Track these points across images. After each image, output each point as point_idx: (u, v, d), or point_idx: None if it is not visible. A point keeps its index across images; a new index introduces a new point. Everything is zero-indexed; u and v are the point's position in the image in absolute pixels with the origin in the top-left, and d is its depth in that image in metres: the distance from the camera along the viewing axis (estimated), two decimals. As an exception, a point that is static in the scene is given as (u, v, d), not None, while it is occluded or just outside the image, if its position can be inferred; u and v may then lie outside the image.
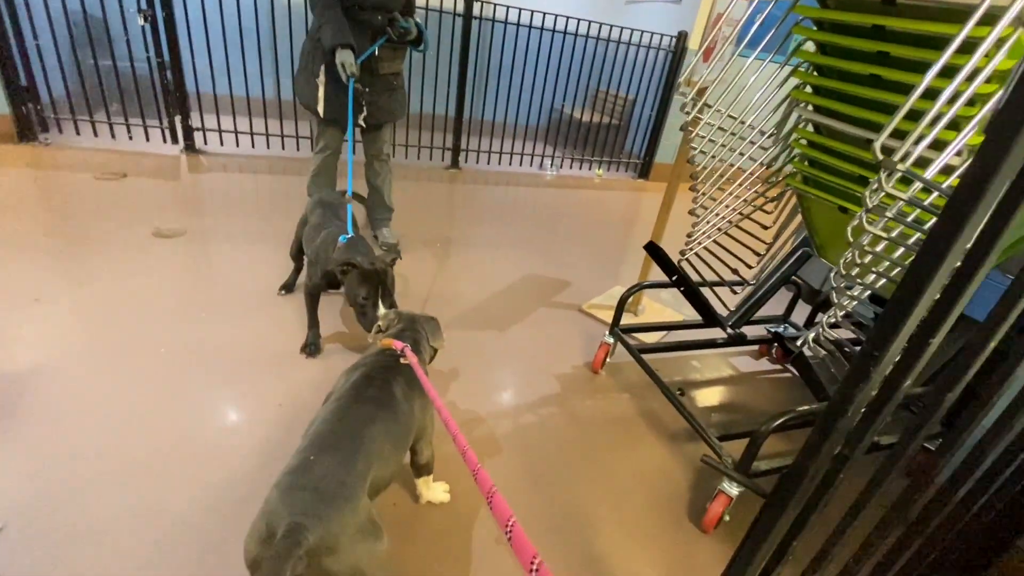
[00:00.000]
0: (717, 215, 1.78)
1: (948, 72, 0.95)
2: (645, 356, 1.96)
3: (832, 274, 1.33)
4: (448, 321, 1.52)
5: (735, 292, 2.03)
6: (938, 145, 1.05)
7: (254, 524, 0.85)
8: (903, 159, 1.02)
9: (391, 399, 1.13)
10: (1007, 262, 1.56)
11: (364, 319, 1.70)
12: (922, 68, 1.03)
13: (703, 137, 1.68)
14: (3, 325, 1.84)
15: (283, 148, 4.13)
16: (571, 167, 5.24)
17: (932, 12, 1.08)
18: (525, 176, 4.85)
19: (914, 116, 1.03)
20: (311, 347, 1.96)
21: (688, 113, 1.64)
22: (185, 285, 2.26)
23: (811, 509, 0.77)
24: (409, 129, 4.42)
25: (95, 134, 3.64)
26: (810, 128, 1.58)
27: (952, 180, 1.12)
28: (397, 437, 1.12)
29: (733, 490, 1.46)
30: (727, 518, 1.50)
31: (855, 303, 1.34)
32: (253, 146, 4.05)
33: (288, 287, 2.33)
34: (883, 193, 1.04)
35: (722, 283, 1.96)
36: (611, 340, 2.11)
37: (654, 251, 1.79)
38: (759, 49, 1.52)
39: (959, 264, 0.55)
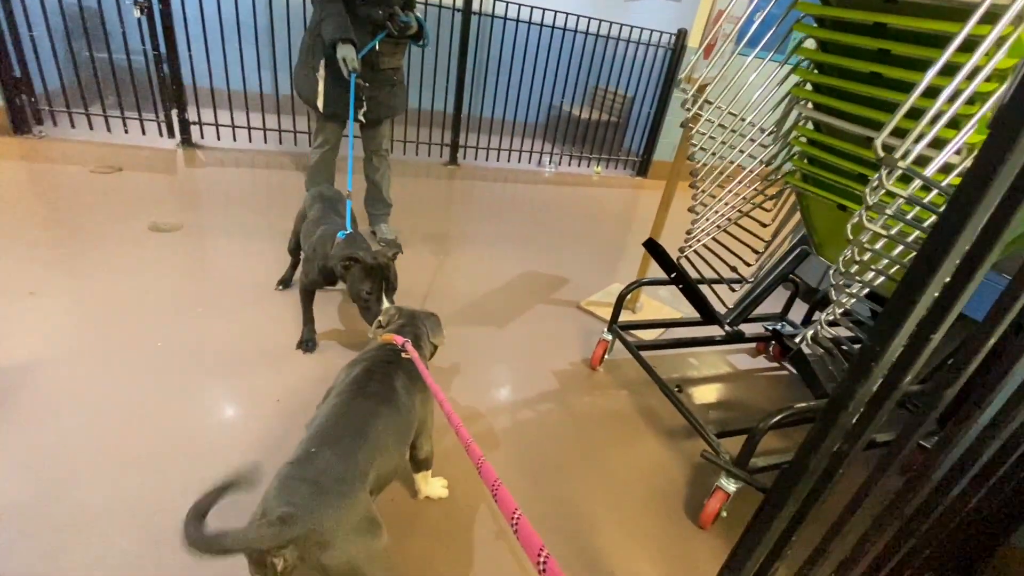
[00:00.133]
0: (716, 212, 1.78)
1: (948, 70, 0.95)
2: (643, 353, 1.97)
3: (831, 272, 1.33)
4: (447, 317, 1.52)
5: (733, 290, 2.04)
6: (937, 143, 1.05)
7: (253, 513, 0.86)
8: (903, 156, 1.02)
9: (393, 394, 1.13)
10: (1003, 261, 1.57)
11: (368, 314, 1.69)
12: (922, 66, 1.03)
13: (703, 134, 1.68)
14: (-2, 318, 1.83)
15: (280, 143, 4.11)
16: (570, 164, 5.24)
17: (933, 10, 1.08)
18: (524, 173, 4.84)
19: (914, 114, 1.03)
20: (307, 343, 1.95)
21: (689, 110, 1.64)
22: (182, 280, 2.24)
23: (811, 503, 0.77)
24: (408, 125, 4.40)
25: (90, 127, 3.61)
26: (810, 126, 1.58)
27: (951, 178, 1.13)
28: (399, 432, 1.12)
29: (731, 486, 1.47)
30: (724, 514, 1.51)
31: (853, 301, 1.34)
32: (250, 141, 4.02)
33: (285, 282, 2.32)
34: (883, 190, 1.04)
35: (720, 281, 1.96)
36: (609, 337, 2.11)
37: (653, 248, 1.79)
38: (759, 47, 1.52)
39: (961, 259, 0.55)
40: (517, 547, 1.36)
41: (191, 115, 3.78)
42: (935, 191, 1.13)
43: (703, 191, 1.74)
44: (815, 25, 1.40)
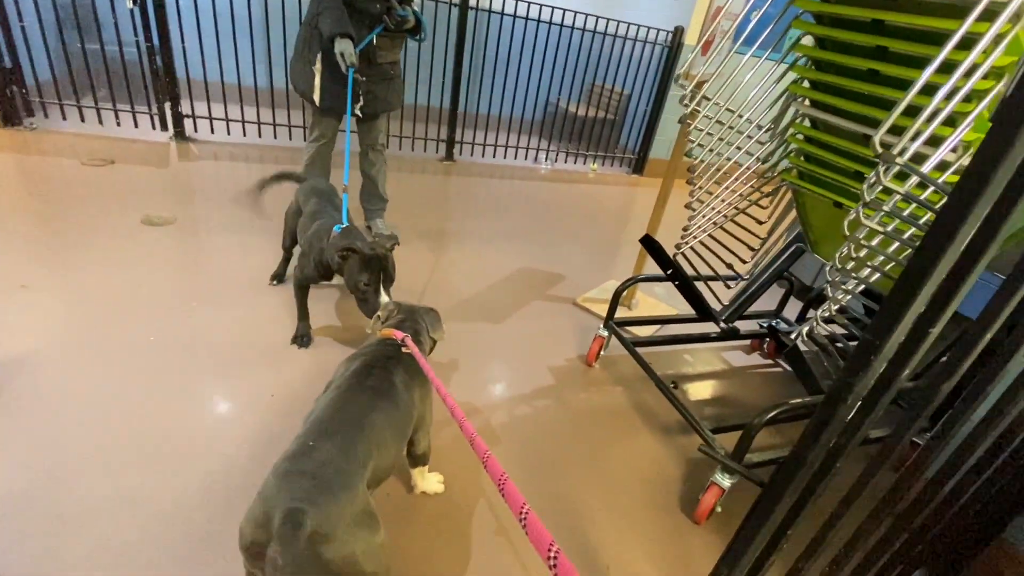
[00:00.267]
0: (713, 209, 1.78)
1: (946, 68, 0.96)
2: (639, 349, 1.97)
3: (827, 268, 1.34)
4: (443, 313, 1.52)
5: (728, 287, 2.05)
6: (934, 141, 1.05)
7: (251, 508, 0.85)
8: (900, 153, 1.03)
9: (392, 388, 1.13)
10: (996, 261, 1.58)
11: (366, 306, 1.68)
12: (920, 64, 1.03)
13: (701, 130, 1.68)
14: (-12, 312, 1.80)
15: (275, 137, 4.08)
16: (566, 161, 5.24)
17: (932, 7, 1.08)
18: (520, 170, 4.83)
19: (911, 111, 1.03)
20: (302, 338, 1.94)
21: (687, 106, 1.64)
22: (175, 274, 2.23)
23: (807, 497, 0.78)
24: (404, 120, 4.38)
25: (82, 119, 3.57)
26: (807, 123, 1.58)
27: (948, 176, 1.13)
28: (398, 426, 1.12)
29: (725, 482, 1.47)
30: (719, 509, 1.52)
31: (849, 297, 1.35)
32: (245, 135, 3.99)
33: (279, 277, 2.30)
34: (881, 187, 1.05)
35: (716, 278, 1.97)
36: (605, 333, 2.12)
37: (650, 244, 1.79)
38: (756, 45, 1.52)
39: (962, 252, 0.55)
40: (516, 543, 1.36)
41: (184, 108, 3.74)
42: (931, 188, 1.14)
43: (700, 187, 1.74)
44: (813, 22, 1.40)
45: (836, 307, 1.37)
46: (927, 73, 0.97)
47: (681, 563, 1.40)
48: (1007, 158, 0.56)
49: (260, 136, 4.03)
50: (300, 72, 2.45)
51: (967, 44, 0.93)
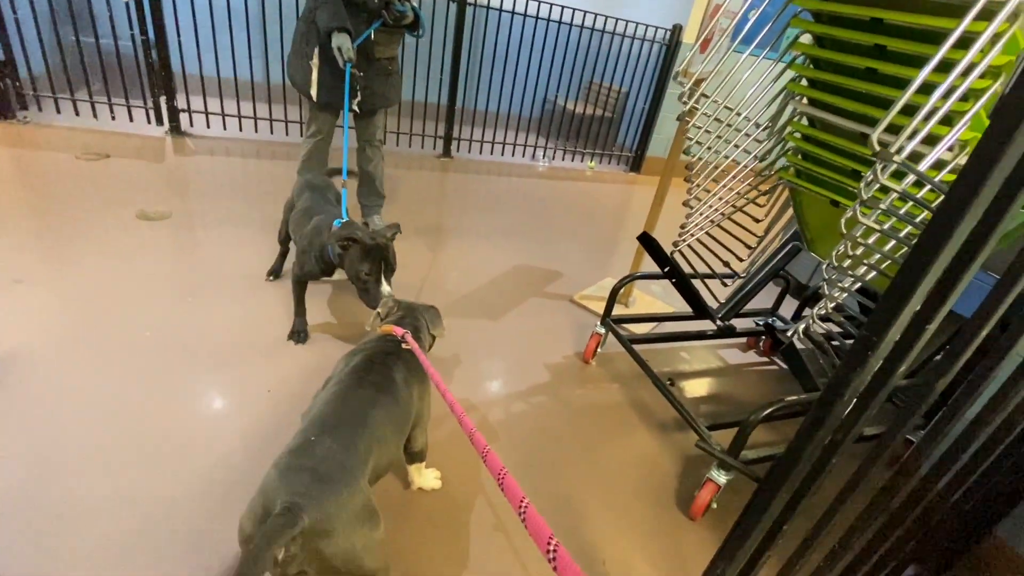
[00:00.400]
0: (710, 207, 1.79)
1: (943, 67, 0.96)
2: (636, 347, 1.98)
3: (824, 266, 1.34)
4: (440, 309, 1.52)
5: (725, 284, 2.05)
6: (931, 140, 1.06)
7: (251, 502, 0.85)
8: (898, 152, 1.03)
9: (392, 384, 1.13)
10: (990, 260, 1.59)
11: (368, 296, 1.67)
12: (918, 62, 1.03)
13: (699, 128, 1.68)
14: (-18, 306, 1.79)
15: (272, 132, 4.06)
16: (563, 159, 5.23)
17: (930, 6, 1.08)
18: (517, 167, 4.83)
19: (909, 110, 1.04)
20: (299, 334, 1.94)
21: (685, 103, 1.64)
22: (171, 268, 2.21)
23: (803, 493, 0.78)
24: (401, 116, 4.37)
25: (76, 113, 3.54)
26: (805, 121, 1.59)
27: (944, 174, 1.14)
28: (398, 422, 1.12)
29: (721, 478, 1.48)
30: (714, 506, 1.53)
31: (845, 295, 1.36)
32: (241, 130, 3.97)
33: (275, 272, 2.29)
34: (878, 185, 1.05)
35: (713, 276, 1.97)
36: (602, 330, 2.12)
37: (647, 242, 1.80)
38: (754, 44, 1.52)
39: (959, 248, 0.56)
40: (514, 539, 1.37)
41: (180, 102, 3.72)
42: (927, 187, 1.15)
43: (698, 185, 1.75)
44: (812, 20, 1.41)
45: (832, 305, 1.38)
46: (925, 72, 0.98)
47: (677, 558, 1.41)
48: (1004, 157, 0.57)
49: (256, 131, 4.01)
50: (297, 67, 2.44)
51: (965, 43, 0.93)
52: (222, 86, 3.75)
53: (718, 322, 2.00)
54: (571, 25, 4.43)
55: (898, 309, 0.61)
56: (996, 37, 0.94)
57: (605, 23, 4.53)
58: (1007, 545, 1.33)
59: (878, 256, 1.23)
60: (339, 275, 1.82)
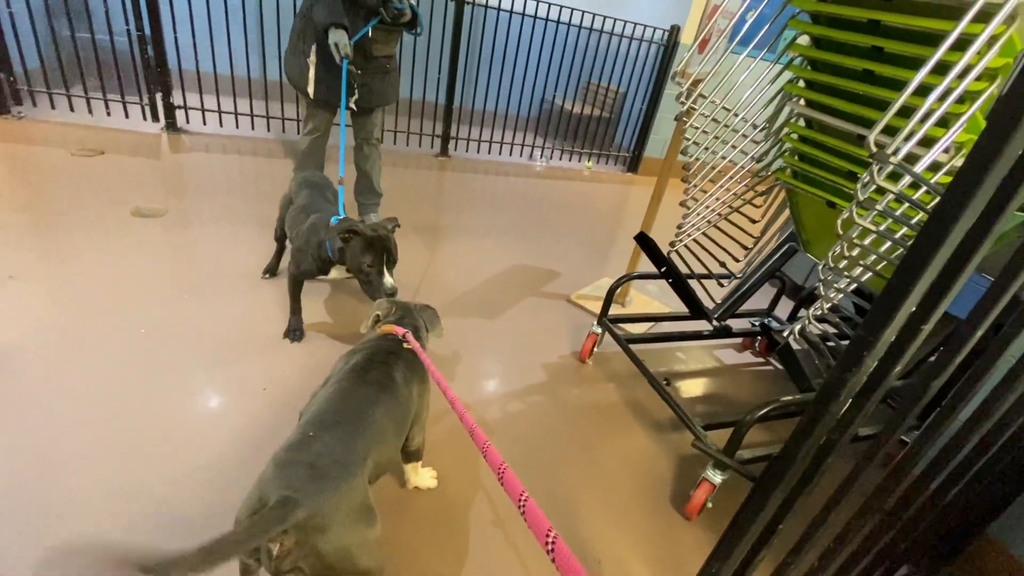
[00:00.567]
0: (707, 208, 1.79)
1: (940, 69, 0.97)
2: (632, 346, 1.98)
3: (820, 267, 1.35)
4: (438, 308, 1.51)
5: (722, 285, 2.06)
6: (927, 142, 1.07)
7: (248, 496, 0.84)
8: (894, 153, 1.04)
9: (392, 383, 1.13)
10: (984, 262, 1.60)
11: (370, 287, 1.66)
12: (915, 64, 1.04)
13: (696, 128, 1.68)
14: (-26, 302, 1.78)
15: (268, 130, 4.04)
16: (561, 159, 5.23)
17: (927, 8, 1.09)
18: (515, 166, 4.83)
19: (906, 112, 1.04)
20: (295, 332, 1.93)
21: (683, 103, 1.64)
22: (167, 266, 2.20)
23: (798, 493, 0.79)
24: (399, 115, 4.36)
25: (71, 109, 3.51)
26: (802, 123, 1.59)
27: (940, 176, 1.14)
28: (398, 421, 1.12)
29: (717, 478, 1.48)
30: (710, 505, 1.53)
31: (840, 296, 1.36)
32: (237, 127, 3.95)
33: (271, 270, 2.28)
34: (874, 186, 1.05)
35: (709, 276, 1.98)
36: (599, 330, 2.12)
37: (644, 242, 1.80)
38: (751, 46, 1.53)
39: (955, 248, 0.56)
40: (512, 535, 1.37)
41: (176, 99, 3.70)
42: (923, 189, 1.15)
43: (695, 186, 1.75)
44: (810, 21, 1.41)
45: (828, 305, 1.39)
46: (921, 74, 0.98)
47: (672, 557, 1.41)
48: (1000, 159, 0.57)
49: (253, 128, 4.00)
50: (294, 63, 2.43)
51: (962, 45, 0.94)
52: (218, 82, 3.73)
53: (714, 322, 2.01)
54: (569, 25, 4.43)
55: (893, 310, 0.61)
56: (993, 39, 0.94)
57: (603, 23, 4.53)
58: (999, 545, 1.34)
59: (874, 257, 1.23)
60: (335, 274, 1.82)
